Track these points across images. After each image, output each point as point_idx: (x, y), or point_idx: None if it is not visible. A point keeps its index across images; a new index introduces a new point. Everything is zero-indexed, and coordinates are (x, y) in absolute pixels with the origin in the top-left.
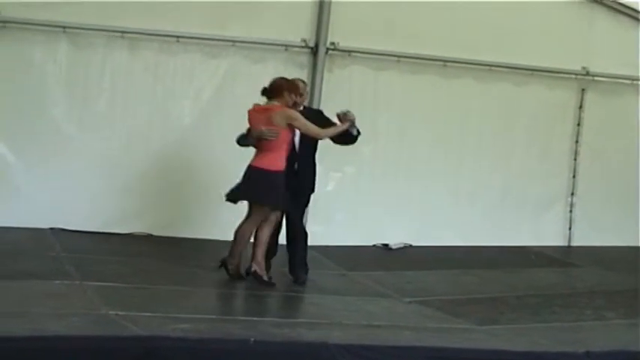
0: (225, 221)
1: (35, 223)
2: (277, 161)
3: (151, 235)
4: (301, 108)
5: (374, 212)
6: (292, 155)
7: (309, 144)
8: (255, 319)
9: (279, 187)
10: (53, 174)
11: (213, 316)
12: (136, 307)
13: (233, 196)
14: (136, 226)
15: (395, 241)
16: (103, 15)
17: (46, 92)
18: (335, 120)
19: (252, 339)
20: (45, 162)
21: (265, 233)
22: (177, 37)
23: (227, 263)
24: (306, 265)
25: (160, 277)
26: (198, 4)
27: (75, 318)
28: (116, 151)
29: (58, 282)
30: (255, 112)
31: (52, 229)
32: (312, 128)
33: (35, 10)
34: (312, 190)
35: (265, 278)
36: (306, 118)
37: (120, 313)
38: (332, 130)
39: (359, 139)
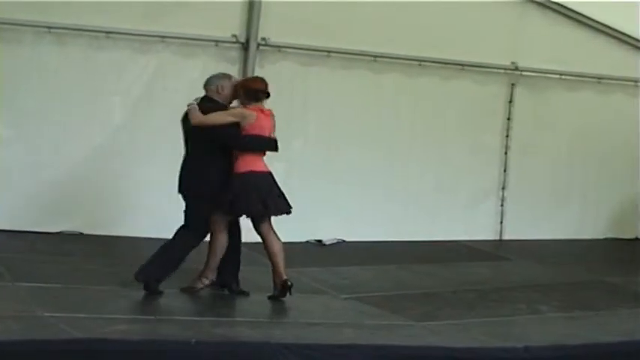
0: (156, 219)
1: None
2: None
3: (82, 234)
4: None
5: (306, 208)
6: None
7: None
8: (193, 318)
9: None
10: None
11: (150, 317)
12: (71, 309)
13: (283, 209)
14: (65, 225)
15: (328, 236)
16: (29, 9)
17: None
18: None
19: (194, 340)
20: None
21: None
22: (107, 32)
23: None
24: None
25: (93, 277)
26: None
27: (10, 321)
28: (45, 148)
29: None
30: (269, 117)
31: None
32: None
33: None
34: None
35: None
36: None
37: (55, 314)
38: None
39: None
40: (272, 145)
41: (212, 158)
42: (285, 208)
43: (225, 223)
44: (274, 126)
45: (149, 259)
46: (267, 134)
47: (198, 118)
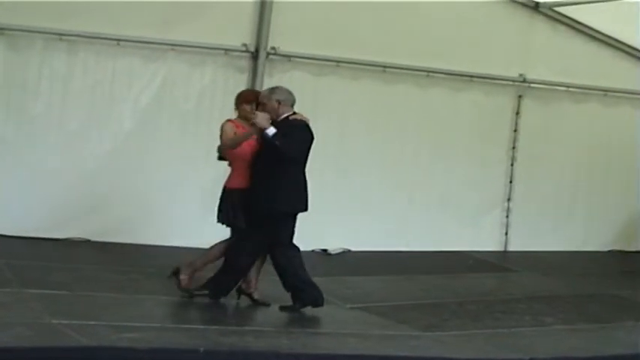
0: (163, 226)
1: None
2: (231, 178)
3: (89, 241)
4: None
5: (312, 217)
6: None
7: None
8: (200, 327)
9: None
10: None
11: (158, 325)
12: (80, 316)
13: None
14: (73, 232)
15: (334, 246)
16: (40, 16)
17: None
18: None
19: (202, 349)
20: None
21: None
22: (117, 40)
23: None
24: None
25: (101, 285)
26: (138, 6)
27: (20, 328)
28: (53, 155)
29: None
30: None
31: None
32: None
33: None
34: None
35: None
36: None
37: (63, 322)
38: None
39: None
40: None
41: None
42: None
43: None
44: None
45: (301, 288)
46: None
47: None
